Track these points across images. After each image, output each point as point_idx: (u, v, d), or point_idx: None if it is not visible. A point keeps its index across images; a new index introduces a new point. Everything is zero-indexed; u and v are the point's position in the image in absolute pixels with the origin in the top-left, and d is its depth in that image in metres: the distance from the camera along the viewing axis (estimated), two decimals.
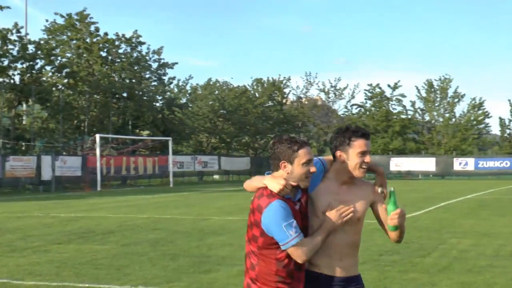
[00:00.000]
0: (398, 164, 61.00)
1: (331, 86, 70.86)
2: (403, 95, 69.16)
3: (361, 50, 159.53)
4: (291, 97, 72.18)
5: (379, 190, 4.11)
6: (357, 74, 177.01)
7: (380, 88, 69.49)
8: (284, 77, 69.33)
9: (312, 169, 3.92)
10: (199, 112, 61.55)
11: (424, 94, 69.93)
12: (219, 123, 63.59)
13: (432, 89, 69.83)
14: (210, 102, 62.87)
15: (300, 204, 3.96)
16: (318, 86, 73.10)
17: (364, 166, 4.01)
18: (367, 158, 3.99)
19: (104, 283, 9.08)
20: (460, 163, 59.18)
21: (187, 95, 67.02)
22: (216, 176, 56.57)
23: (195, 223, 17.09)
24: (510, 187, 39.44)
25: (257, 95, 68.03)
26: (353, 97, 70.90)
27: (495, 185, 41.69)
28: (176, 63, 55.94)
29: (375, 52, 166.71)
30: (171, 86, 61.81)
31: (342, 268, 4.03)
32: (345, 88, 70.70)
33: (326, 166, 4.15)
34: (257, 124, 64.03)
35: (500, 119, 68.48)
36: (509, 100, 67.84)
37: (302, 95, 72.04)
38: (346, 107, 71.52)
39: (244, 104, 63.68)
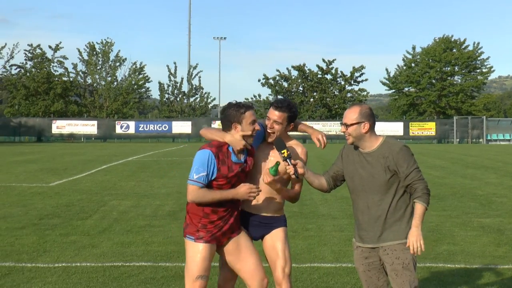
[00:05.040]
0: (60, 126, 60.11)
1: None
2: (65, 57, 68.56)
3: (19, 9, 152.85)
4: None
5: (317, 139, 4.96)
6: (17, 34, 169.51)
7: (41, 49, 68.25)
8: None
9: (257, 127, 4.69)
10: None
11: (86, 57, 69.89)
12: None
13: (94, 52, 70.09)
14: None
15: (246, 165, 4.75)
16: None
17: (269, 130, 4.85)
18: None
19: None
20: (121, 126, 60.46)
21: None
22: None
23: None
24: (168, 149, 41.50)
25: None
26: (12, 57, 67.71)
27: (155, 148, 43.50)
28: None
29: (35, 11, 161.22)
30: None
31: (260, 208, 4.90)
32: (3, 47, 67.11)
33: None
34: None
35: (160, 83, 71.50)
36: (168, 66, 71.00)
37: None
38: (5, 67, 68.10)
39: None
